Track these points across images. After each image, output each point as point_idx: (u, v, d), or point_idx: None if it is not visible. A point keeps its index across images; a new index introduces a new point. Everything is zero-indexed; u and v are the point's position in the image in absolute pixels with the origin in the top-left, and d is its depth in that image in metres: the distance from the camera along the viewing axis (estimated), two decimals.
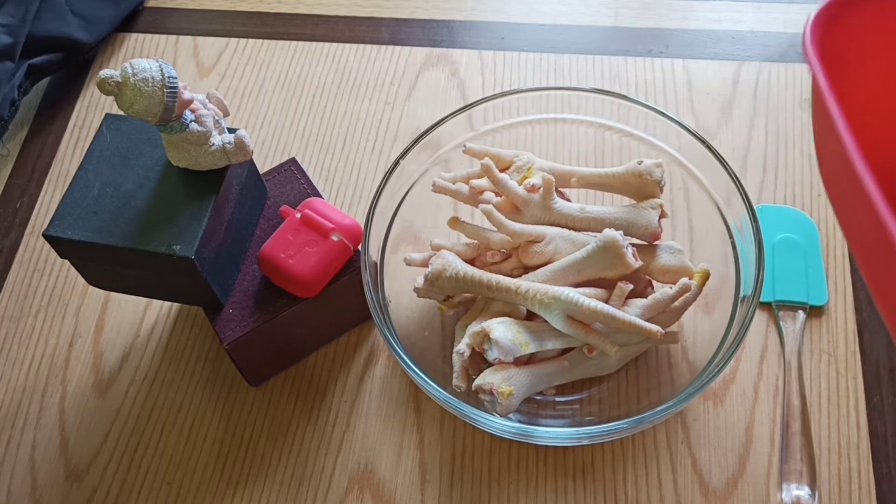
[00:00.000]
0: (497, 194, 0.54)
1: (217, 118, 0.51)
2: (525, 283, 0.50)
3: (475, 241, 0.55)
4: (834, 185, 0.34)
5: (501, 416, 0.49)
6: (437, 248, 0.55)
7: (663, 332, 0.49)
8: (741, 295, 0.51)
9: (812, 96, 0.34)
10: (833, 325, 0.58)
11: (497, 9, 0.78)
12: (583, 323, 0.49)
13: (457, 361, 0.51)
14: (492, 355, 0.49)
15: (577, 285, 0.51)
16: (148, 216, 0.49)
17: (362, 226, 0.53)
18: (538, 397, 0.54)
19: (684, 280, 0.51)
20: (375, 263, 0.54)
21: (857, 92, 0.35)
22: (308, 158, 0.69)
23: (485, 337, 0.49)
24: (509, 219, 0.52)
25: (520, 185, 0.54)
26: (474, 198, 0.55)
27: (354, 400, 0.57)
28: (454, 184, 0.55)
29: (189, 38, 0.77)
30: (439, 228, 0.57)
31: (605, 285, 0.51)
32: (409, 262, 0.55)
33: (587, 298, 0.48)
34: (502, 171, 0.55)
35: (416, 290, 0.54)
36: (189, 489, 0.54)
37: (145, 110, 0.45)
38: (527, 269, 0.53)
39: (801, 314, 0.58)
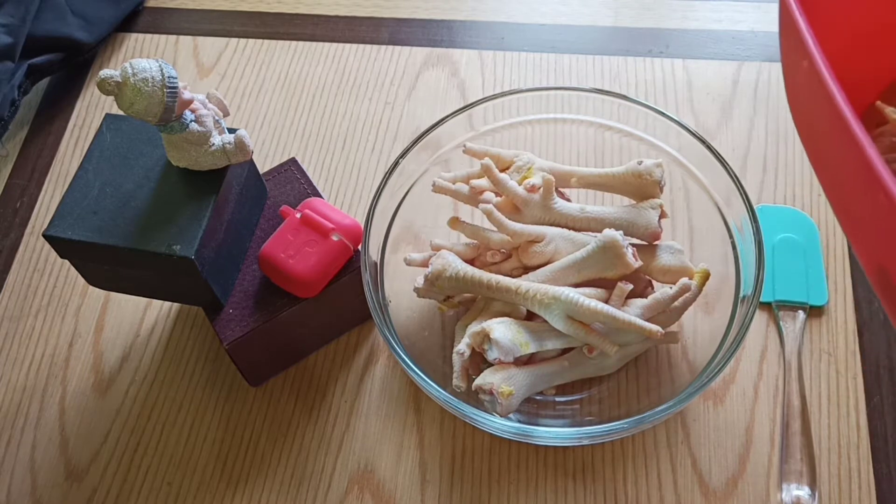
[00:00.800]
0: (497, 194, 0.54)
1: (217, 118, 0.51)
2: (525, 283, 0.50)
3: (475, 241, 0.55)
4: (798, 105, 0.35)
5: (501, 416, 0.49)
6: (437, 248, 0.55)
7: (663, 332, 0.49)
8: (741, 295, 0.51)
9: (780, 15, 0.35)
10: (833, 325, 0.58)
11: (497, 9, 0.78)
12: (583, 323, 0.49)
13: (457, 361, 0.51)
14: (492, 355, 0.49)
15: (577, 285, 0.51)
16: (148, 216, 0.49)
17: (362, 226, 0.53)
18: (538, 397, 0.54)
19: (684, 280, 0.51)
20: (375, 263, 0.54)
21: (824, 20, 0.36)
22: (308, 158, 0.69)
23: (485, 337, 0.49)
24: (509, 219, 0.52)
25: (520, 185, 0.54)
26: (474, 198, 0.55)
27: (354, 400, 0.57)
28: (454, 184, 0.55)
29: (189, 38, 0.77)
30: (439, 228, 0.57)
31: (605, 285, 0.51)
32: (409, 262, 0.55)
33: (587, 298, 0.48)
34: (502, 171, 0.55)
35: (416, 290, 0.54)
36: (189, 489, 0.54)
37: (145, 110, 0.45)
38: (527, 269, 0.53)
39: (801, 314, 0.58)
